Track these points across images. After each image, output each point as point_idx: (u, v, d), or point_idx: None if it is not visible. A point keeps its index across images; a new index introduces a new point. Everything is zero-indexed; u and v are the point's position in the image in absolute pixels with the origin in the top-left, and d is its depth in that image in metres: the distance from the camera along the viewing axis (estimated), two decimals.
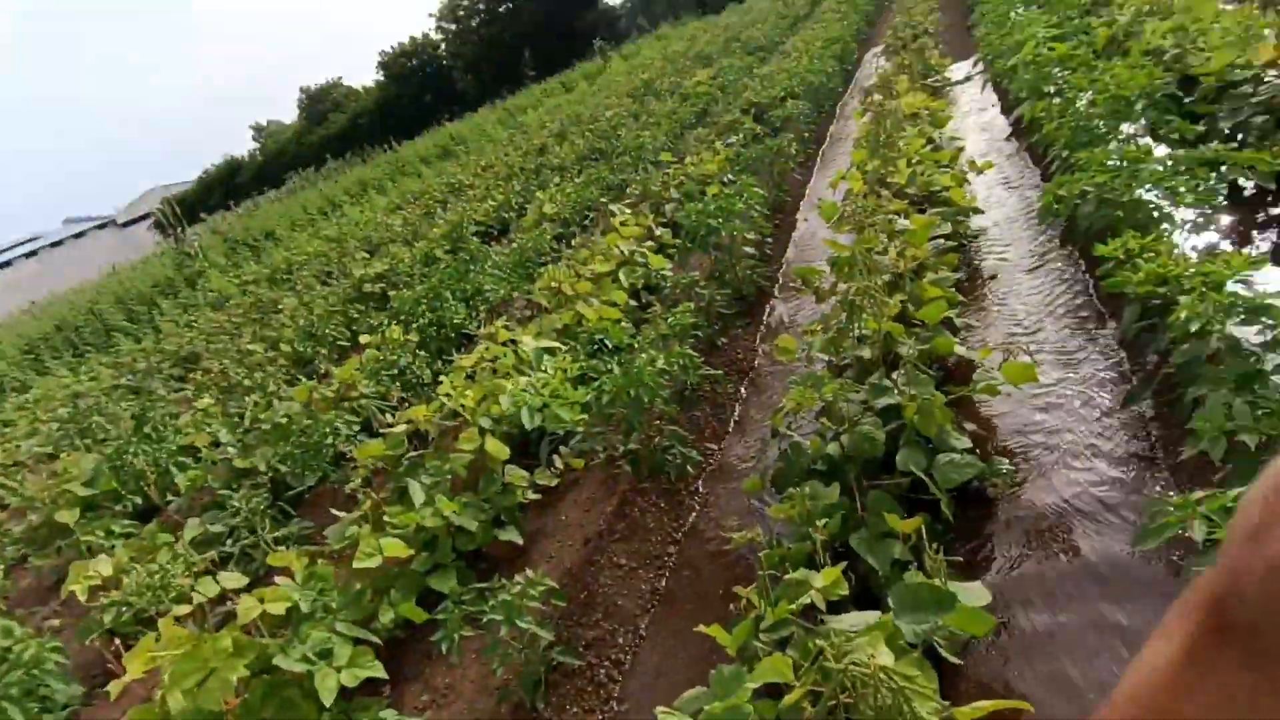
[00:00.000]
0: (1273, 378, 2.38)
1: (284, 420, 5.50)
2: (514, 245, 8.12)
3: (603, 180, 9.23)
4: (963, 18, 12.32)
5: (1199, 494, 1.97)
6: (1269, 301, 2.51)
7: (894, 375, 3.30)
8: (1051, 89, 5.33)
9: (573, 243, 7.17)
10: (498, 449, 4.09)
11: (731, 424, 4.54)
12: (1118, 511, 2.83)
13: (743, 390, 4.82)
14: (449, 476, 4.00)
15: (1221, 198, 3.44)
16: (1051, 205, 3.81)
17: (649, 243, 6.78)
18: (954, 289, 4.07)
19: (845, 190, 5.58)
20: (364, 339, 6.77)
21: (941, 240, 4.40)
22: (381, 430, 4.89)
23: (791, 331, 5.16)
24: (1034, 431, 3.47)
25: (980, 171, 5.43)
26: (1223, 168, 3.73)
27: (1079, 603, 2.55)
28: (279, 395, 6.53)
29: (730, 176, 7.70)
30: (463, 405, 4.55)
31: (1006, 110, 7.20)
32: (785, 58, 13.64)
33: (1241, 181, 4.28)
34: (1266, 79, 4.51)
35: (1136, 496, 2.85)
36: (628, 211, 7.21)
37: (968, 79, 9.26)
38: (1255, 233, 4.19)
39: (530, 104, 30.73)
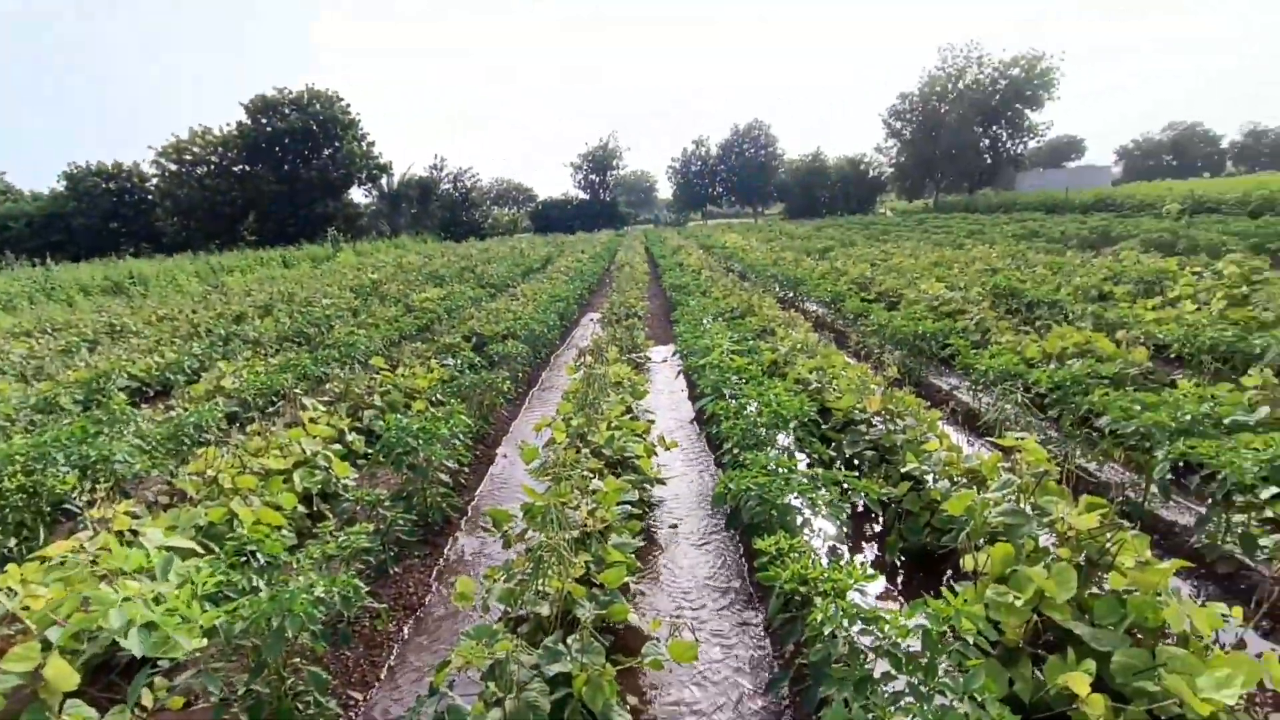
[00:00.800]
0: (881, 684, 2.75)
1: None
2: (173, 414, 6.97)
3: (302, 368, 8.59)
4: (666, 310, 14.49)
5: None
6: (879, 613, 2.97)
7: (569, 639, 3.23)
8: (729, 392, 6.31)
9: (248, 428, 6.35)
10: (61, 674, 3.11)
11: (385, 669, 4.01)
12: None
13: (406, 630, 4.35)
14: None
15: (846, 513, 4.17)
16: (723, 495, 4.31)
17: (337, 446, 6.27)
18: (633, 554, 4.26)
19: (548, 438, 5.80)
20: None
21: (628, 506, 4.66)
22: None
23: (472, 571, 4.93)
24: (687, 710, 3.55)
25: (668, 448, 6.03)
26: (845, 488, 4.57)
27: None
28: None
29: (440, 396, 7.65)
30: (27, 608, 3.47)
31: (693, 398, 8.30)
32: (514, 300, 14.64)
33: (856, 500, 5.28)
34: (875, 423, 5.80)
35: None
36: (321, 408, 6.69)
37: (665, 362, 10.67)
38: (865, 544, 5.11)
39: (241, 267, 28.71)
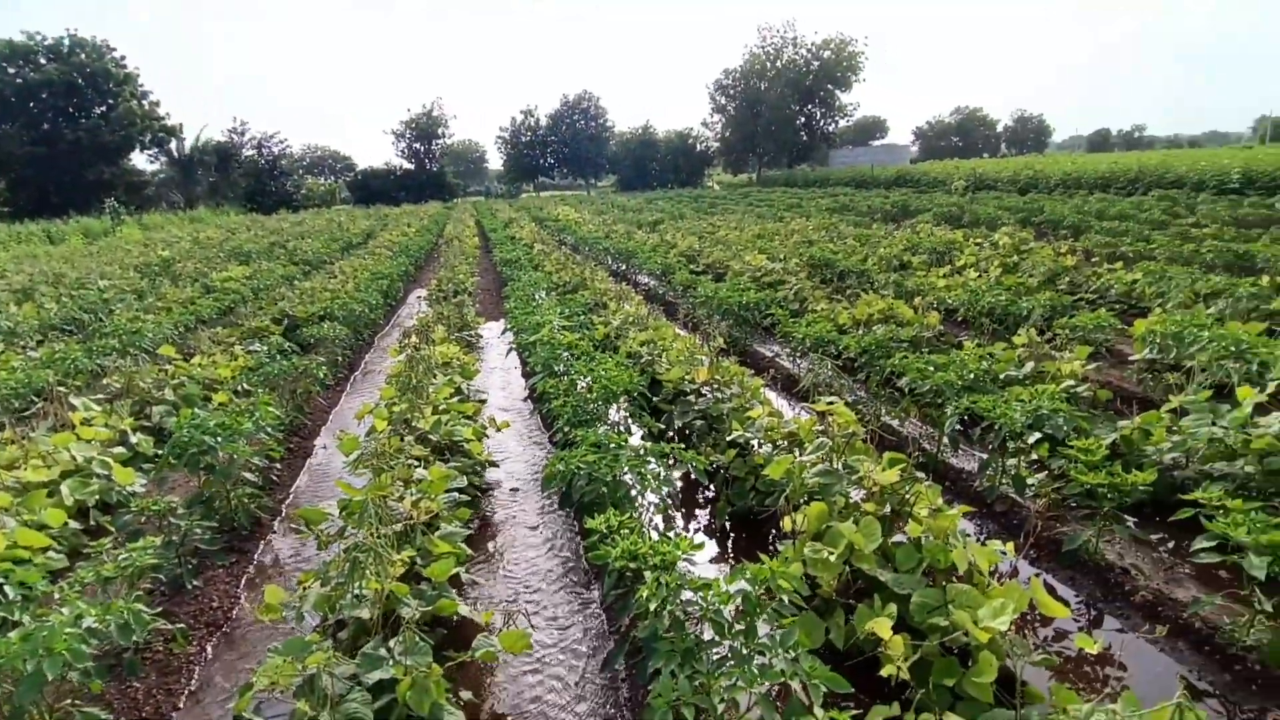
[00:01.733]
0: (708, 651, 2.82)
1: None
2: None
3: (71, 361, 7.45)
4: (499, 285, 14.12)
5: None
6: (706, 581, 3.05)
7: (392, 642, 3.04)
8: (561, 369, 6.23)
9: None
10: None
11: (185, 696, 3.60)
12: None
13: (210, 649, 3.93)
14: None
15: (677, 484, 4.24)
16: (553, 476, 4.24)
17: (120, 449, 5.52)
18: (465, 542, 4.10)
19: (370, 426, 5.45)
20: None
21: (457, 493, 4.48)
22: None
23: (288, 577, 4.54)
24: (525, 696, 3.49)
25: (499, 429, 5.87)
26: (674, 459, 4.66)
27: None
28: None
29: (246, 386, 6.96)
30: None
31: (526, 375, 8.15)
32: (332, 278, 13.62)
33: (689, 469, 5.41)
34: (703, 393, 5.97)
35: None
36: (96, 408, 5.85)
37: (499, 338, 10.38)
38: (699, 510, 5.27)
39: None
